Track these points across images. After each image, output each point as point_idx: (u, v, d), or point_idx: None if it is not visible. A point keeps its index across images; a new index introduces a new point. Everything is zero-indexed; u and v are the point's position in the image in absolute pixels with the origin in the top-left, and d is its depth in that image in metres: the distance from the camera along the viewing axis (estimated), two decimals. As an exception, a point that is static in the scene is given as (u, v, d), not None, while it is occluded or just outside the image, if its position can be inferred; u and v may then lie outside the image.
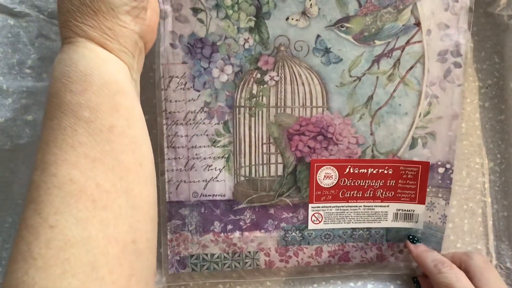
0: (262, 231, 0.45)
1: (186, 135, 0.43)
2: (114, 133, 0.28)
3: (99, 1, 0.29)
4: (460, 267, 0.41)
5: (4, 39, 0.40)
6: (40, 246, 0.25)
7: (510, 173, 0.46)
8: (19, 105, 0.40)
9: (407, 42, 0.41)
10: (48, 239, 0.25)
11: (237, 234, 0.45)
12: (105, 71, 0.29)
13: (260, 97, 0.42)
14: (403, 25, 0.41)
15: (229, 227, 0.44)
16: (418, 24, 0.41)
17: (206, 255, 0.45)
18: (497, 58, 0.46)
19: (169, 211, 0.44)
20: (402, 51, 0.42)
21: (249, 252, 0.45)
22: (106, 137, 0.28)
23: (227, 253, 0.45)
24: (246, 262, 0.45)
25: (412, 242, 0.45)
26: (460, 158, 0.46)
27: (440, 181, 0.44)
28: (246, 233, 0.45)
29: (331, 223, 0.45)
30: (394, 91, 0.42)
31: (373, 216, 0.45)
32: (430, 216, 0.45)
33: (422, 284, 0.45)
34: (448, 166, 0.44)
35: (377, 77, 0.42)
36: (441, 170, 0.44)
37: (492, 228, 0.47)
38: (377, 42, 0.41)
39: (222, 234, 0.44)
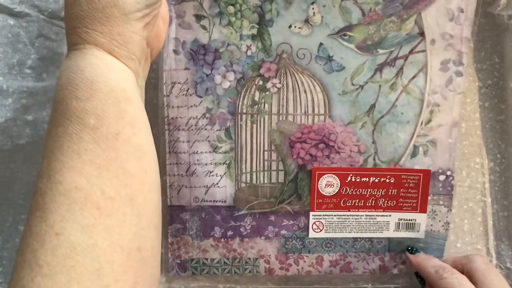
0: (263, 238, 0.45)
1: (188, 141, 0.43)
2: (119, 141, 0.28)
3: (112, 7, 0.29)
4: (462, 271, 0.41)
5: (4, 39, 0.39)
6: (46, 253, 0.25)
7: (510, 173, 0.46)
8: (19, 105, 0.40)
9: (411, 51, 0.41)
10: (54, 246, 0.25)
11: (237, 240, 0.45)
12: (112, 79, 0.29)
13: (262, 104, 0.42)
14: (406, 34, 0.41)
15: (230, 233, 0.44)
16: (422, 33, 0.41)
17: (206, 259, 0.45)
18: (497, 58, 0.46)
19: (170, 215, 0.44)
20: (405, 60, 0.42)
21: (249, 259, 0.45)
22: (112, 144, 0.28)
23: (227, 259, 0.45)
24: (246, 269, 0.45)
25: (411, 253, 0.45)
26: (460, 158, 0.46)
27: (441, 189, 0.44)
28: (246, 240, 0.45)
29: (332, 231, 0.45)
30: (397, 100, 0.42)
31: (375, 225, 0.45)
32: (432, 225, 0.45)
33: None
34: (448, 173, 0.44)
35: (380, 86, 0.42)
36: (442, 177, 0.44)
37: (492, 228, 0.47)
38: (380, 51, 0.41)
39: (222, 240, 0.44)
